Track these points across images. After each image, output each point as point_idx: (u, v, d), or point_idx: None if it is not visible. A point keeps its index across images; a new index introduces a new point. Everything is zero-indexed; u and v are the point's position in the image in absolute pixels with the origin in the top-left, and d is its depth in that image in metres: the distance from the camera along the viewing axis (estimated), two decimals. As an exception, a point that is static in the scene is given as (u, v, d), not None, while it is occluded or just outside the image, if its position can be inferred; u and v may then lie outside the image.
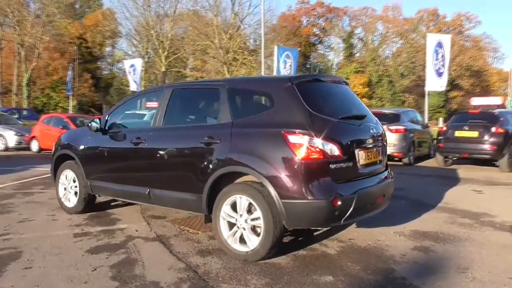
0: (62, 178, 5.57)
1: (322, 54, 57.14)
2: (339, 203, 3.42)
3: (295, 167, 3.41)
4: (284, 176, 3.44)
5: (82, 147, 5.22)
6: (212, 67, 29.73)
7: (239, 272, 3.48)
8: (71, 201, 5.47)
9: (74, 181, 5.43)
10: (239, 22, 29.98)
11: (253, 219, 3.65)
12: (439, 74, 15.28)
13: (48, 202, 6.28)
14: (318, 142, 3.41)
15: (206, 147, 3.92)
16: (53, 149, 5.86)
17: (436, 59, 15.15)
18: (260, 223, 3.58)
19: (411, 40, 50.08)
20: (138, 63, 22.51)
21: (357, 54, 54.72)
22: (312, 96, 3.69)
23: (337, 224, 3.59)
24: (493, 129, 9.68)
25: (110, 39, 44.18)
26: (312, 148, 3.39)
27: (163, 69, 30.91)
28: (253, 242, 3.63)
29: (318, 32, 55.40)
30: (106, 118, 5.00)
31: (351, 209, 3.50)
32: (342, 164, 3.54)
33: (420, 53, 47.98)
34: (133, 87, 22.17)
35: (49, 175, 8.23)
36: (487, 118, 10.06)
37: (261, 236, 3.58)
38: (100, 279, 3.35)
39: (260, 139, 3.61)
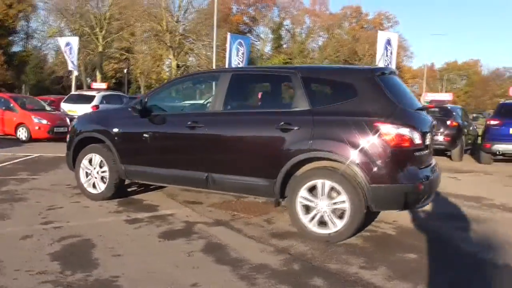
0: (84, 163, 5.24)
1: (251, 43, 57.67)
2: (422, 187, 3.77)
3: (386, 154, 3.68)
4: (374, 162, 3.70)
5: (116, 130, 4.95)
6: (154, 51, 28.60)
7: (330, 253, 3.68)
8: (98, 187, 5.18)
9: (100, 166, 5.15)
10: (187, 5, 29.07)
11: (335, 203, 3.85)
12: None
13: (55, 188, 5.86)
14: (406, 131, 3.71)
15: (282, 133, 4.01)
16: (70, 133, 5.46)
17: (386, 55, 16.33)
18: (344, 206, 3.80)
19: (336, 35, 52.62)
20: (75, 41, 20.90)
21: (285, 46, 56.16)
22: (390, 88, 3.97)
23: (415, 208, 3.94)
24: (448, 123, 10.79)
25: (26, 12, 40.15)
26: (402, 137, 3.69)
27: (100, 49, 28.99)
28: (337, 225, 3.84)
29: (247, 21, 55.72)
30: (145, 100, 4.80)
31: (427, 194, 3.88)
32: (421, 152, 3.89)
33: (344, 48, 50.88)
34: (71, 66, 20.60)
35: (21, 159, 7.69)
36: (442, 112, 11.15)
37: (345, 219, 3.80)
38: (206, 263, 3.35)
39: (348, 127, 3.80)
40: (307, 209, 4.00)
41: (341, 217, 3.85)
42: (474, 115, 25.17)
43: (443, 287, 3.12)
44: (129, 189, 5.72)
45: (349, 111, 3.88)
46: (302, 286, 3.00)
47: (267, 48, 56.29)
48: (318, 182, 3.90)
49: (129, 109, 4.85)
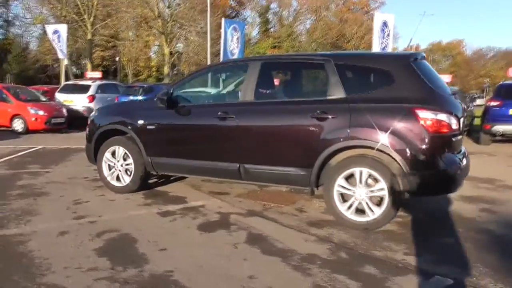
0: (107, 155, 5.16)
1: (238, 27, 57.06)
2: (459, 172, 3.82)
3: (426, 140, 3.70)
4: (414, 149, 3.72)
5: (141, 121, 4.88)
6: (142, 38, 28.01)
7: (371, 240, 3.72)
8: (122, 180, 5.12)
9: (124, 159, 5.08)
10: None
11: (373, 191, 3.88)
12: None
13: (73, 181, 5.79)
14: (444, 116, 3.73)
15: (318, 122, 4.00)
16: (90, 125, 5.36)
17: (383, 37, 16.32)
18: (383, 194, 3.83)
19: (324, 17, 52.33)
20: (63, 29, 20.33)
21: (272, 29, 55.72)
22: (426, 74, 3.97)
23: (451, 192, 3.99)
24: None
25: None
26: (440, 122, 3.71)
27: (89, 36, 28.25)
28: (375, 212, 3.87)
29: (234, 5, 55.02)
30: (171, 91, 4.73)
31: (462, 179, 3.93)
32: (457, 138, 3.93)
33: (332, 31, 50.67)
34: (61, 55, 20.10)
35: (25, 151, 7.56)
36: None
37: (384, 206, 3.83)
38: (254, 254, 3.36)
39: (386, 115, 3.80)
40: (344, 197, 4.02)
41: (379, 204, 3.88)
42: (472, 95, 25.44)
43: (488, 272, 3.17)
44: (150, 181, 5.65)
45: (386, 98, 3.88)
46: (356, 274, 3.02)
47: (255, 32, 55.82)
48: (356, 170, 3.91)
49: (155, 100, 4.77)
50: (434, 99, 3.81)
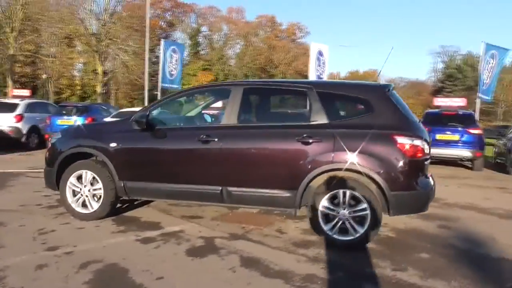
0: (72, 180, 4.85)
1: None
2: (431, 193, 4.18)
3: (404, 163, 4.01)
4: (394, 171, 4.01)
5: (113, 144, 4.68)
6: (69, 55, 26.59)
7: (359, 258, 3.90)
8: (90, 206, 4.82)
9: (91, 184, 4.81)
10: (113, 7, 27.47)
11: (355, 211, 4.09)
12: (320, 79, 17.38)
13: (28, 209, 5.33)
14: (419, 142, 4.09)
15: (303, 146, 4.15)
16: (52, 148, 5.02)
17: (319, 65, 17.22)
18: (365, 213, 4.05)
19: (253, 43, 53.91)
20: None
21: (202, 52, 56.11)
22: (398, 102, 4.33)
23: (424, 211, 4.31)
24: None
25: None
26: (416, 147, 4.06)
27: (11, 51, 26.01)
28: (358, 231, 4.07)
29: (164, 26, 54.66)
30: (148, 113, 4.63)
31: (432, 199, 4.29)
32: (428, 161, 4.30)
33: (261, 56, 52.29)
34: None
35: None
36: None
37: (366, 225, 4.05)
38: (255, 278, 3.36)
39: (367, 140, 4.06)
40: (328, 217, 4.18)
41: (361, 223, 4.09)
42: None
43: (468, 284, 3.49)
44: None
45: (365, 124, 4.15)
46: (359, 291, 3.16)
47: (185, 54, 55.69)
48: (340, 192, 4.11)
49: (130, 122, 4.62)
50: (409, 126, 4.17)
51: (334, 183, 4.14)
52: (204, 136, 4.40)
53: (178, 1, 53.72)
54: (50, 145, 5.15)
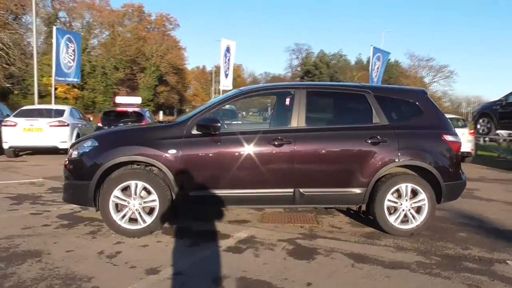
0: (116, 193, 4.31)
1: (16, 33, 49.58)
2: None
3: (452, 157, 4.68)
4: (445, 165, 4.64)
5: (173, 151, 4.30)
6: None
7: (432, 242, 4.43)
8: (142, 220, 4.35)
9: (141, 197, 4.36)
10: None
11: (415, 202, 4.61)
12: (226, 76, 17.64)
13: (40, 231, 4.50)
14: (458, 139, 4.81)
15: (373, 145, 4.51)
16: (87, 158, 4.34)
17: (225, 62, 17.42)
18: (423, 204, 4.61)
19: (120, 32, 50.81)
20: None
21: (61, 40, 50.65)
22: (436, 105, 4.98)
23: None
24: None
25: None
26: (458, 144, 4.77)
27: None
28: (417, 219, 4.61)
29: (12, 8, 47.59)
30: (211, 118, 4.40)
31: None
32: (460, 155, 5.06)
33: (131, 48, 49.62)
34: None
35: None
36: (135, 116, 12.03)
37: (425, 214, 4.61)
38: (386, 272, 3.60)
39: (424, 139, 4.63)
40: (392, 209, 4.61)
41: (419, 212, 4.63)
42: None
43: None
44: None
45: (419, 125, 4.70)
46: (464, 270, 3.67)
47: (40, 41, 49.51)
48: (403, 186, 4.58)
49: (188, 126, 4.34)
50: (448, 125, 4.85)
51: (398, 179, 4.59)
52: (278, 139, 4.39)
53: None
54: (76, 154, 4.44)
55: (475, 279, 3.49)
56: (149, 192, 4.36)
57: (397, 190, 4.59)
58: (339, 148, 4.54)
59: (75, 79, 17.00)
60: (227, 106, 5.05)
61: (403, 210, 4.61)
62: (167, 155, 4.30)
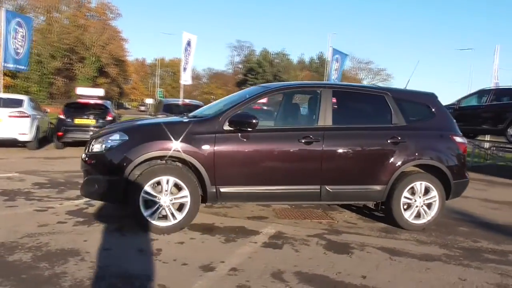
0: (146, 189, 4.17)
1: None
2: (468, 180, 5.40)
3: (460, 157, 5.08)
4: (455, 164, 5.02)
5: (207, 146, 4.25)
6: None
7: (445, 237, 4.78)
8: (172, 217, 4.25)
9: (172, 193, 4.26)
10: None
11: (428, 199, 4.95)
12: (184, 70, 17.32)
13: (64, 229, 4.24)
14: (465, 140, 5.23)
15: (394, 145, 4.76)
16: (115, 153, 4.16)
17: (185, 56, 17.10)
18: (435, 200, 4.96)
19: (58, 19, 47.78)
20: None
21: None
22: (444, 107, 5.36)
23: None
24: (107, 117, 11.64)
25: None
26: (464, 144, 5.18)
27: None
28: (430, 215, 4.95)
29: None
30: (230, 114, 4.40)
31: None
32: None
33: (70, 36, 46.82)
34: None
35: None
36: (99, 108, 11.81)
37: (435, 210, 4.96)
38: (420, 264, 3.85)
39: (437, 140, 4.98)
40: (407, 205, 4.90)
41: (430, 208, 4.97)
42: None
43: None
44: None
45: (432, 127, 5.05)
46: (488, 261, 4.04)
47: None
48: (418, 184, 4.89)
49: (220, 122, 4.32)
50: (456, 126, 5.25)
51: (413, 177, 4.89)
52: (307, 138, 4.49)
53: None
54: (100, 148, 4.23)
55: (502, 269, 3.84)
56: (179, 188, 4.26)
57: (412, 188, 4.89)
58: (363, 147, 4.74)
59: (24, 67, 15.81)
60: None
61: (417, 206, 4.92)
62: (201, 150, 4.24)
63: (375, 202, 5.02)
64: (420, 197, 4.92)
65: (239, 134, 4.35)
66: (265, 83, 5.56)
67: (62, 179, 6.94)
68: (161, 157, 4.28)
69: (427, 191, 4.94)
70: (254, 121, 4.26)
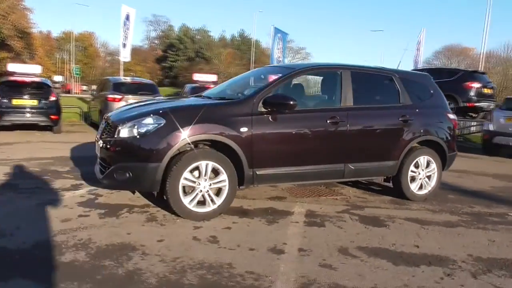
0: (185, 175, 4.01)
1: None
2: (455, 153, 5.97)
3: (453, 133, 5.59)
4: (449, 139, 5.52)
5: (245, 129, 4.17)
6: None
7: (452, 204, 5.27)
8: (211, 202, 4.14)
9: (210, 178, 4.15)
10: None
11: (429, 171, 5.41)
12: (124, 46, 16.31)
13: (89, 222, 3.93)
14: (455, 116, 5.75)
15: (404, 123, 5.09)
16: (156, 136, 3.90)
17: (124, 32, 16.07)
18: (434, 172, 5.43)
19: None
20: None
21: None
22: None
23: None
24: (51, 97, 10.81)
25: None
26: (456, 121, 5.70)
27: None
28: (430, 186, 5.42)
29: None
30: (264, 95, 4.38)
31: None
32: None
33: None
34: None
35: None
36: (38, 87, 10.93)
37: (435, 181, 5.44)
38: (448, 231, 4.25)
39: (437, 117, 5.41)
40: (413, 179, 5.31)
41: (430, 180, 5.45)
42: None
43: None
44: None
45: (432, 105, 5.47)
46: (497, 223, 4.59)
47: None
48: (421, 158, 5.31)
49: (254, 103, 4.25)
50: (447, 105, 5.74)
51: (418, 152, 5.29)
52: (333, 118, 4.62)
53: None
54: (131, 133, 3.95)
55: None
56: (216, 173, 4.15)
57: (416, 162, 5.29)
58: (381, 126, 5.01)
59: None
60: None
61: (420, 178, 5.35)
62: (239, 133, 4.15)
63: (385, 177, 5.33)
64: (423, 170, 5.34)
65: (275, 115, 4.32)
66: (277, 65, 5.48)
67: (36, 167, 6.28)
68: (201, 142, 4.11)
69: (428, 164, 5.38)
70: (291, 102, 4.25)
